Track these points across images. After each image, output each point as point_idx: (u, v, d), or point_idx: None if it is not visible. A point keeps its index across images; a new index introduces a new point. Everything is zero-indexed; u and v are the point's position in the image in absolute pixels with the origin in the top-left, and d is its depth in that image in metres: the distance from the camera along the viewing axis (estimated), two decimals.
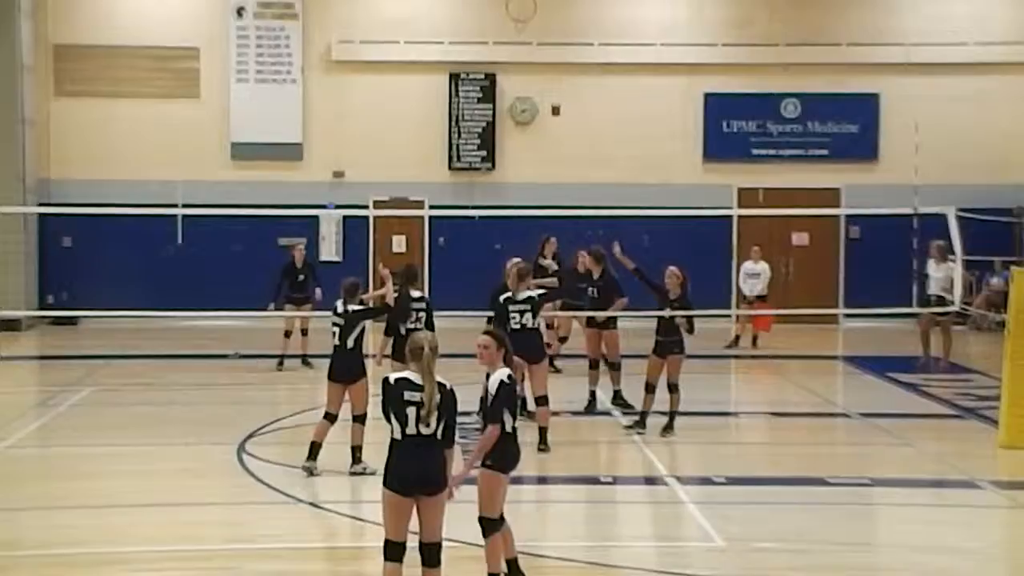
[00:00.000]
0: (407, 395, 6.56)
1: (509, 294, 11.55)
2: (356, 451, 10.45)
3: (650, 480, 10.83)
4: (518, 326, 11.27)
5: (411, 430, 6.55)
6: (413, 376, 6.59)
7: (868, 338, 20.45)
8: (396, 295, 11.07)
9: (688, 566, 8.24)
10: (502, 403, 7.18)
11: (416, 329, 11.07)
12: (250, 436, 12.09)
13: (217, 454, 11.38)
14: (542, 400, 11.44)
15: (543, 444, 11.35)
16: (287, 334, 16.23)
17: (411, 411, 6.55)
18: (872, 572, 8.19)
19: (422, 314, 11.29)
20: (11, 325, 19.95)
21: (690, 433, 12.44)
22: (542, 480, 10.78)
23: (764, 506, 9.82)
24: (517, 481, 10.63)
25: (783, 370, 17.24)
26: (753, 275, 19.29)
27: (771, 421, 13.87)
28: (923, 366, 16.88)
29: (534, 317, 11.45)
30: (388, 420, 6.63)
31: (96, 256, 21.26)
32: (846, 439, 13.23)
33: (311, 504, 9.78)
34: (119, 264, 21.16)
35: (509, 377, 7.24)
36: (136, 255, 21.22)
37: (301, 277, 16.39)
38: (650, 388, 12.17)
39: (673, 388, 12.10)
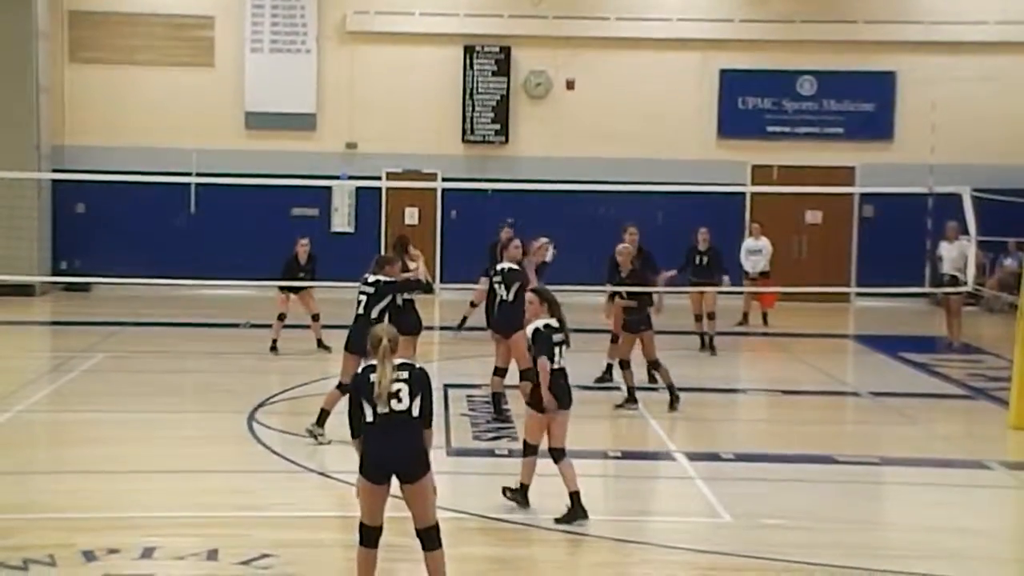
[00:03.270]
0: (372, 377, 6.50)
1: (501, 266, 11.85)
2: None
3: (658, 455, 10.85)
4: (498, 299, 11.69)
5: (382, 408, 6.43)
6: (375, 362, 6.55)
7: (880, 317, 20.42)
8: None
9: (695, 542, 8.26)
10: (539, 346, 8.40)
11: (410, 300, 11.20)
12: (261, 405, 12.14)
13: (228, 422, 11.44)
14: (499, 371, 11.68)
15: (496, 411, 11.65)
16: (281, 317, 15.30)
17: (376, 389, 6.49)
18: (880, 551, 8.20)
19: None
20: (24, 291, 20.04)
21: (699, 409, 12.46)
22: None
23: (772, 483, 9.83)
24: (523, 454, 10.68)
25: (793, 348, 17.23)
26: (755, 252, 19.21)
27: (780, 399, 13.87)
28: (948, 347, 16.90)
29: (507, 290, 11.54)
30: (360, 411, 6.50)
31: (109, 223, 21.31)
32: (856, 418, 13.23)
33: (321, 473, 9.83)
34: (132, 231, 21.21)
35: (545, 326, 8.47)
36: (149, 223, 21.27)
37: (302, 275, 15.34)
38: (625, 364, 12.20)
39: (655, 365, 12.10)
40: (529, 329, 8.56)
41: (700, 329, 16.16)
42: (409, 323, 10.82)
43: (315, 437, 10.51)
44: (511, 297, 11.51)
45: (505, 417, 11.60)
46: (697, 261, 16.32)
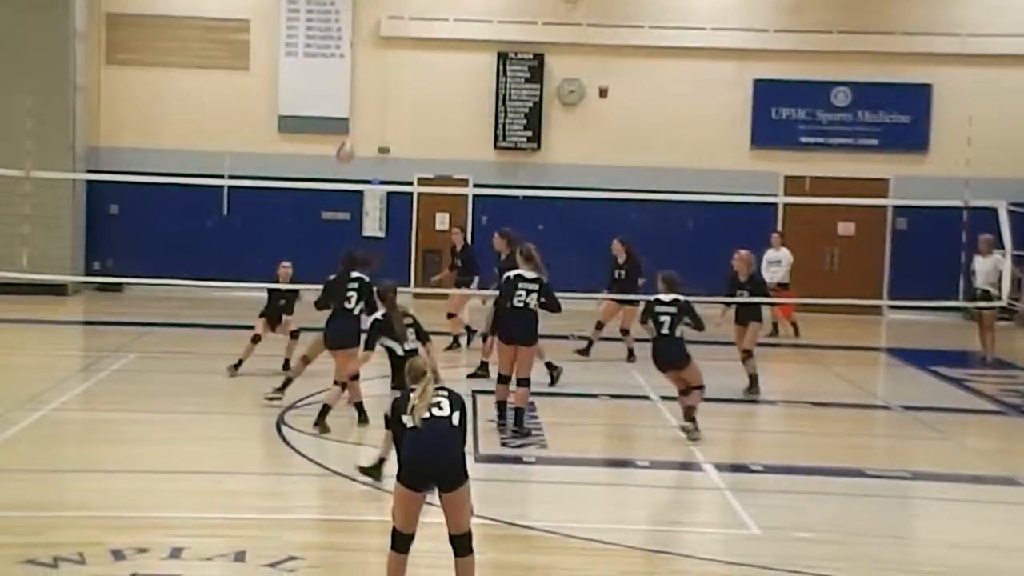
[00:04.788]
0: (412, 396, 6.69)
1: (519, 271, 11.59)
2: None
3: (687, 466, 10.79)
4: (520, 304, 11.40)
5: (423, 415, 6.58)
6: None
7: (912, 330, 20.27)
8: (334, 278, 11.69)
9: (723, 553, 8.22)
10: (372, 334, 9.86)
11: (349, 310, 11.51)
12: (289, 407, 12.17)
13: (256, 424, 11.49)
14: (523, 382, 11.47)
15: (516, 425, 11.40)
16: (255, 339, 14.01)
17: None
18: (908, 566, 8.14)
19: (352, 293, 11.56)
20: (57, 290, 20.21)
21: (728, 420, 12.40)
22: (578, 462, 10.78)
23: (801, 496, 9.77)
24: (554, 462, 10.67)
25: (824, 360, 17.12)
26: (774, 262, 19.01)
27: (811, 411, 13.77)
28: (981, 362, 16.78)
29: (538, 299, 11.44)
30: (401, 424, 6.64)
31: (142, 224, 21.47)
32: (886, 431, 13.13)
33: (348, 477, 9.84)
34: (165, 233, 21.35)
35: (383, 315, 9.87)
36: (182, 224, 21.41)
37: (283, 301, 14.17)
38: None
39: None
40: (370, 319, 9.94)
41: (595, 337, 15.68)
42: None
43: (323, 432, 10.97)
44: (535, 305, 11.47)
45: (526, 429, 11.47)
46: (616, 275, 15.71)
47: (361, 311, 11.51)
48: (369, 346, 9.77)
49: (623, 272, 15.69)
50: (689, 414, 11.35)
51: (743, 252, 13.87)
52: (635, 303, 14.64)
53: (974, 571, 8.07)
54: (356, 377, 11.33)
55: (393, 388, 9.46)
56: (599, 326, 15.73)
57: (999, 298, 15.78)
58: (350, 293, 11.55)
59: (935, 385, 15.32)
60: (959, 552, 8.47)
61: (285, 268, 14.43)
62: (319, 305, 11.73)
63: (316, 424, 11.04)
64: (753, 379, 13.69)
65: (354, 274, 11.66)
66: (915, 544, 8.93)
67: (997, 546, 8.63)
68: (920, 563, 8.26)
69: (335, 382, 11.27)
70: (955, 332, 19.92)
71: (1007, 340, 18.39)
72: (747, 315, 13.75)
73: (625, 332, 15.59)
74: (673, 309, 11.42)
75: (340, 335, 11.42)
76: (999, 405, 13.98)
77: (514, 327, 11.45)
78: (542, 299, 11.44)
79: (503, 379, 11.54)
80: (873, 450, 11.97)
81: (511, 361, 11.46)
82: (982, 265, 16.77)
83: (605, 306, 15.72)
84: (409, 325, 9.69)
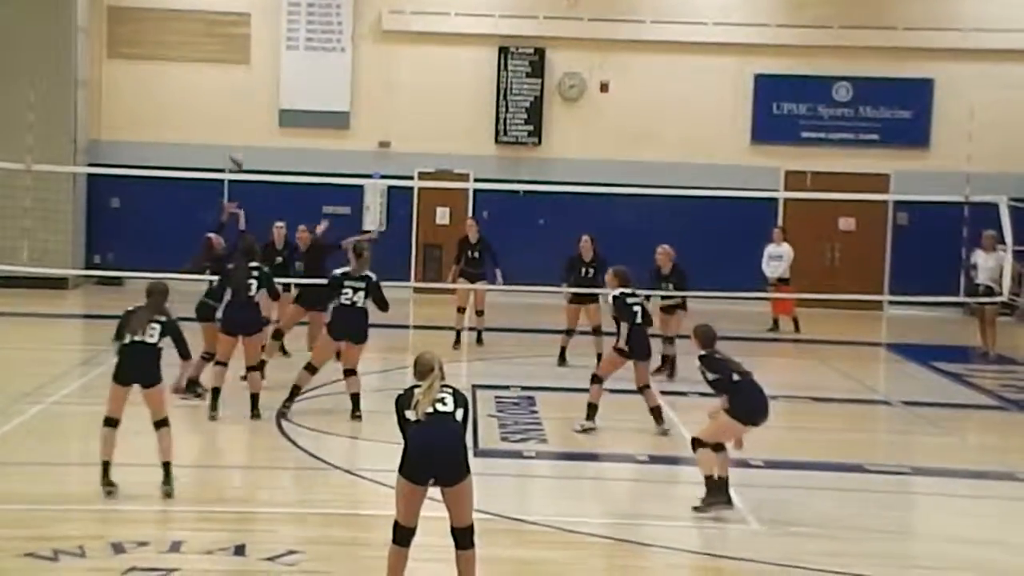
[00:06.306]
0: (416, 392, 6.70)
1: (346, 269, 11.70)
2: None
3: (686, 460, 10.77)
4: (348, 302, 11.51)
5: (427, 410, 6.59)
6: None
7: (913, 326, 20.26)
8: (233, 268, 12.06)
9: (723, 548, 8.23)
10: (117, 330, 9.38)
11: (251, 297, 11.85)
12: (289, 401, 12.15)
13: (256, 418, 11.46)
14: (351, 372, 11.56)
15: (285, 404, 11.55)
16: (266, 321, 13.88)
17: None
18: (908, 561, 8.14)
19: (252, 281, 11.85)
20: (58, 283, 20.19)
21: None
22: (577, 457, 10.79)
23: (801, 491, 9.77)
24: (553, 457, 10.67)
25: (825, 355, 17.11)
26: (776, 257, 18.98)
27: (811, 406, 13.77)
28: (982, 358, 16.78)
29: (366, 297, 11.52)
30: (405, 419, 6.66)
31: (143, 218, 21.45)
32: (887, 427, 13.14)
33: (348, 471, 9.85)
34: (165, 226, 21.30)
35: (134, 308, 9.51)
36: (182, 218, 21.33)
37: (279, 259, 14.31)
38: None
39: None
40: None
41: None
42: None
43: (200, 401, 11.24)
44: (363, 303, 11.56)
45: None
46: (584, 273, 14.96)
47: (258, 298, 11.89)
48: (116, 336, 9.66)
49: (591, 270, 14.91)
50: (660, 414, 11.53)
51: (665, 247, 14.42)
52: (596, 300, 14.80)
53: (974, 566, 8.07)
54: (223, 363, 11.59)
55: (113, 380, 9.36)
56: (570, 333, 15.06)
57: (1000, 294, 15.78)
58: (251, 281, 11.85)
59: (936, 381, 15.32)
60: (959, 547, 8.48)
61: (280, 228, 14.95)
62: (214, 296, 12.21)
63: (211, 411, 11.34)
64: (667, 360, 14.27)
65: (252, 264, 12.01)
66: (915, 539, 8.93)
67: (998, 541, 8.64)
68: (920, 558, 8.27)
69: (249, 368, 11.61)
70: (956, 328, 19.92)
71: (1008, 336, 18.38)
72: (673, 305, 14.38)
73: (597, 331, 14.85)
74: (639, 299, 11.66)
75: (245, 322, 11.70)
76: (1000, 400, 13.99)
77: (342, 324, 11.49)
78: (370, 297, 11.49)
79: (312, 368, 11.64)
80: (873, 445, 11.98)
81: (329, 357, 11.67)
82: (984, 261, 16.76)
83: (569, 311, 15.09)
84: (160, 322, 9.61)
